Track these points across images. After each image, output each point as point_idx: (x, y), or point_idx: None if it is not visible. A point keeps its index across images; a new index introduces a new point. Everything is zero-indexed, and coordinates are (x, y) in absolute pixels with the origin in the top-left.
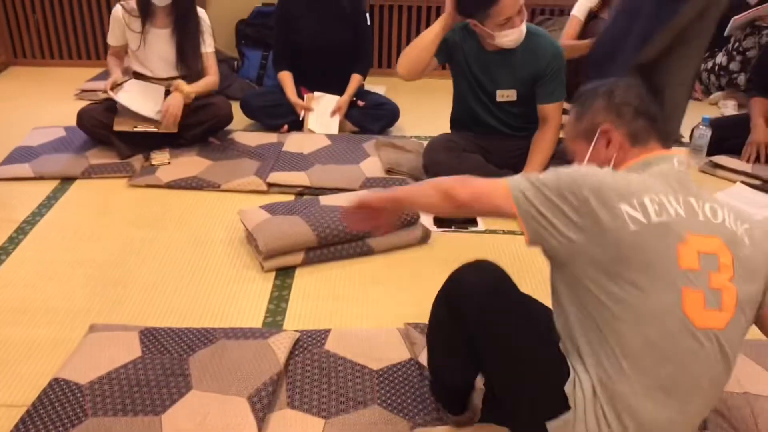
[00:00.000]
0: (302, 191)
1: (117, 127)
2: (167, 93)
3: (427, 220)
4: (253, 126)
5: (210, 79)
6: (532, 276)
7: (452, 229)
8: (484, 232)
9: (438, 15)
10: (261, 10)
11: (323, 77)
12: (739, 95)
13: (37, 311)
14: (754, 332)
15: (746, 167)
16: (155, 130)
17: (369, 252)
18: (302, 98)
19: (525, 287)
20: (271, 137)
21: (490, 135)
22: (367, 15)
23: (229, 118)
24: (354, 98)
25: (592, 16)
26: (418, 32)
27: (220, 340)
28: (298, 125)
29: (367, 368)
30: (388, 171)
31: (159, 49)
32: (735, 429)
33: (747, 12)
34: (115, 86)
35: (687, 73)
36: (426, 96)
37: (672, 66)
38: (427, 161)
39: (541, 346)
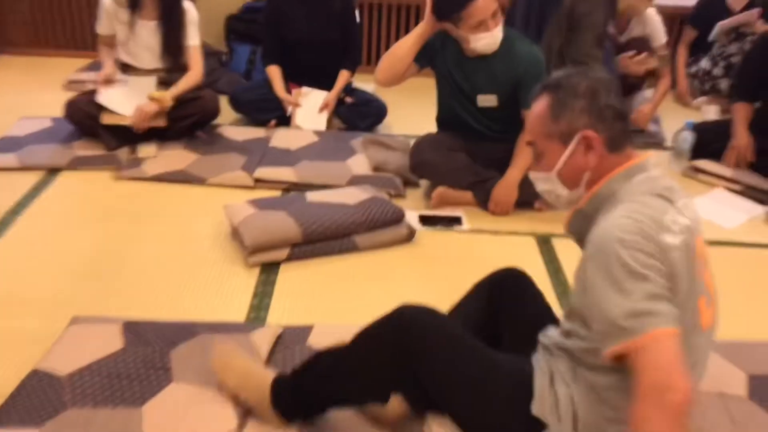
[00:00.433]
0: (289, 187)
1: (105, 121)
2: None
3: (412, 217)
4: (240, 120)
5: (192, 75)
6: None
7: (437, 228)
8: (469, 231)
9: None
10: (251, 5)
11: (312, 73)
12: (722, 100)
13: (19, 302)
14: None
15: (727, 172)
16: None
17: (354, 249)
18: (290, 93)
19: None
20: (258, 132)
21: (474, 137)
22: (357, 12)
23: (217, 112)
24: (342, 95)
25: None
26: (407, 30)
27: (202, 335)
28: (286, 120)
29: None
30: (375, 169)
31: (145, 41)
32: (711, 429)
33: (732, 18)
34: (107, 82)
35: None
36: (414, 94)
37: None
38: (414, 160)
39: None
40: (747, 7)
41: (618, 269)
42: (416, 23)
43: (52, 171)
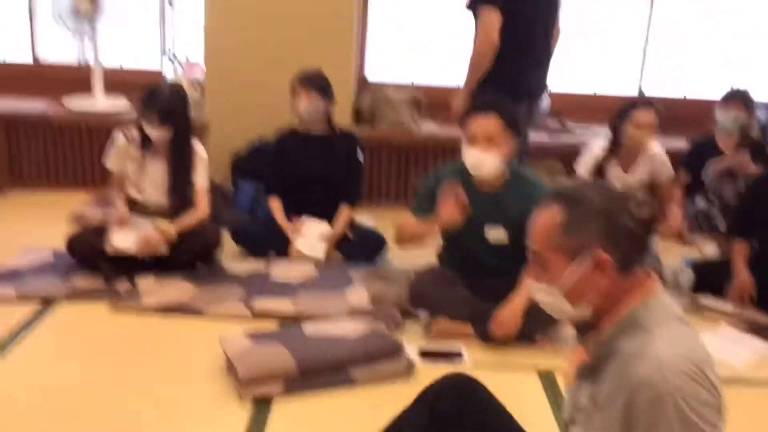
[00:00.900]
0: (286, 318)
1: (110, 248)
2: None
3: (411, 351)
4: (241, 253)
5: (198, 214)
6: (517, 413)
7: (438, 363)
8: (470, 367)
9: (424, 154)
10: (257, 146)
11: (312, 207)
12: (720, 238)
13: None
14: None
15: (730, 308)
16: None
17: (351, 383)
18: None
19: None
20: (258, 265)
21: (477, 272)
22: (360, 153)
23: (218, 245)
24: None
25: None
26: (407, 167)
27: None
28: (286, 253)
29: None
30: (374, 301)
31: (153, 177)
32: None
33: (722, 160)
34: (121, 223)
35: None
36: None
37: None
38: (414, 293)
39: None
40: (738, 149)
41: (678, 426)
42: (416, 161)
43: (49, 302)
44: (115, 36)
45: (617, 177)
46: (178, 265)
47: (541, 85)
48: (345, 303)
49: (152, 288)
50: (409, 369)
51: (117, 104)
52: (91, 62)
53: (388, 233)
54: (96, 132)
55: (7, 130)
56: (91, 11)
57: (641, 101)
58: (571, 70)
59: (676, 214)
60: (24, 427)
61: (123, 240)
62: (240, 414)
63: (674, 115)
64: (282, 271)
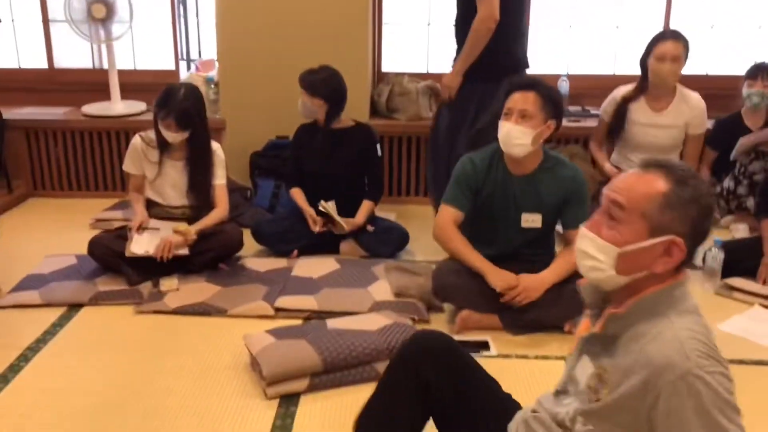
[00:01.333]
0: (310, 315)
1: (129, 253)
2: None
3: None
4: (263, 252)
5: (218, 212)
6: None
7: None
8: (497, 356)
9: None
10: (275, 142)
11: (335, 202)
12: (749, 218)
13: None
14: None
15: (763, 290)
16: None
17: (377, 377)
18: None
19: None
20: (280, 262)
21: (503, 260)
22: (378, 146)
23: (239, 245)
24: (364, 223)
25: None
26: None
27: None
28: (308, 250)
29: None
30: (398, 294)
31: (172, 179)
32: None
33: (750, 136)
34: (140, 229)
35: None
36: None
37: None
38: (437, 284)
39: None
40: (765, 126)
41: (715, 407)
42: None
43: (74, 307)
44: (128, 37)
45: (646, 117)
46: (201, 266)
47: (527, 57)
48: (369, 298)
49: (175, 289)
50: None
51: (134, 106)
52: (107, 66)
53: (410, 226)
54: (114, 135)
55: (27, 138)
56: (105, 16)
57: (666, 32)
58: (590, 50)
59: (703, 175)
60: (50, 428)
61: (141, 245)
62: (266, 411)
63: (708, 92)
64: (304, 268)
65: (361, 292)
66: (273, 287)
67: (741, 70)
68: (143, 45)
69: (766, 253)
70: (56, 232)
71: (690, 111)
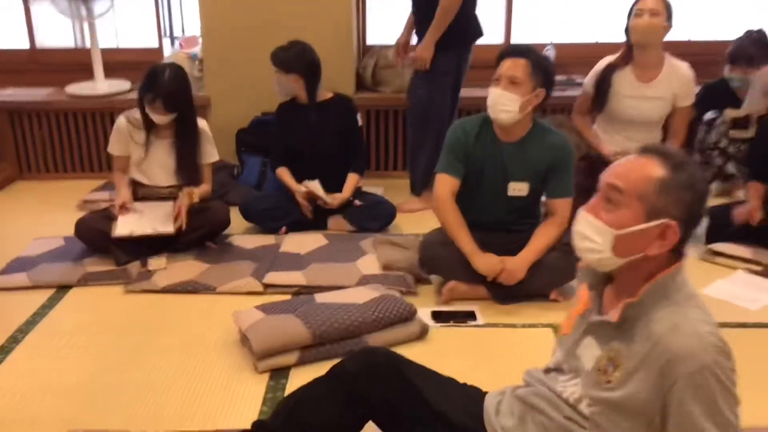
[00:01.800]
0: (299, 291)
1: (115, 234)
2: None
3: (424, 314)
4: (251, 229)
5: (205, 188)
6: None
7: (451, 324)
8: (484, 326)
9: None
10: (260, 119)
11: (318, 176)
12: (727, 185)
13: (21, 421)
14: None
15: (746, 253)
16: (151, 232)
17: None
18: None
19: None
20: (268, 239)
21: (490, 229)
22: (358, 116)
23: (227, 223)
24: (351, 198)
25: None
26: None
27: None
28: (296, 226)
29: None
30: (385, 267)
31: (160, 159)
32: None
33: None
34: (123, 209)
35: None
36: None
37: None
38: (424, 256)
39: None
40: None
41: (722, 399)
42: None
43: (63, 288)
44: (111, 15)
45: (632, 89)
46: (189, 245)
47: (481, 26)
48: (357, 272)
49: (164, 268)
50: (423, 332)
51: (118, 86)
52: (89, 45)
53: (397, 200)
54: (99, 116)
55: (11, 120)
56: None
57: None
58: (576, 18)
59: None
60: (42, 408)
61: (126, 226)
62: (257, 386)
63: (695, 58)
64: (292, 244)
65: (349, 266)
66: (261, 264)
67: (724, 35)
68: (126, 23)
69: (748, 202)
70: (43, 214)
71: (678, 81)
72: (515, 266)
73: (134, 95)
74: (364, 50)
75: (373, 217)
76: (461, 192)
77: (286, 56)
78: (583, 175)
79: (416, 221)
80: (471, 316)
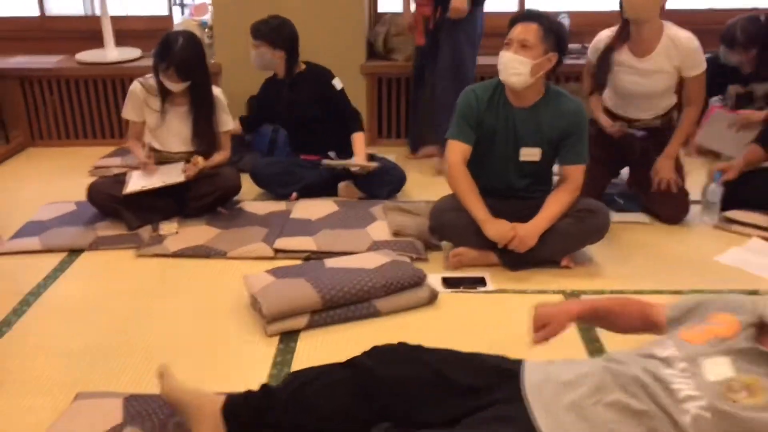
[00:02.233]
0: (309, 256)
1: (126, 190)
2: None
3: (434, 280)
4: (262, 195)
5: (221, 156)
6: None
7: (460, 290)
8: (494, 291)
9: None
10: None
11: (317, 144)
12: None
13: (32, 382)
14: None
15: (761, 221)
16: (161, 184)
17: (376, 314)
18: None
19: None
20: (279, 205)
21: (502, 195)
22: (335, 81)
23: (237, 189)
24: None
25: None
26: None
27: None
28: (307, 192)
29: None
30: (396, 234)
31: (175, 126)
32: None
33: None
34: (145, 167)
35: None
36: (433, 161)
37: None
38: (434, 222)
39: None
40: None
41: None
42: None
43: (74, 252)
44: None
45: (630, 64)
46: (200, 211)
47: None
48: (367, 238)
49: (175, 233)
50: (432, 297)
51: (128, 53)
52: (99, 13)
53: (408, 168)
54: (110, 83)
55: (22, 87)
56: None
57: None
58: None
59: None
60: (52, 369)
61: (137, 183)
62: (267, 349)
63: (699, 27)
64: (303, 210)
65: (360, 232)
66: (272, 229)
67: (724, 3)
68: None
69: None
70: (55, 180)
71: (678, 53)
72: (527, 233)
73: (144, 63)
74: (376, 17)
75: (384, 183)
76: (472, 157)
77: (272, 32)
78: (593, 144)
79: (427, 189)
80: (481, 282)
